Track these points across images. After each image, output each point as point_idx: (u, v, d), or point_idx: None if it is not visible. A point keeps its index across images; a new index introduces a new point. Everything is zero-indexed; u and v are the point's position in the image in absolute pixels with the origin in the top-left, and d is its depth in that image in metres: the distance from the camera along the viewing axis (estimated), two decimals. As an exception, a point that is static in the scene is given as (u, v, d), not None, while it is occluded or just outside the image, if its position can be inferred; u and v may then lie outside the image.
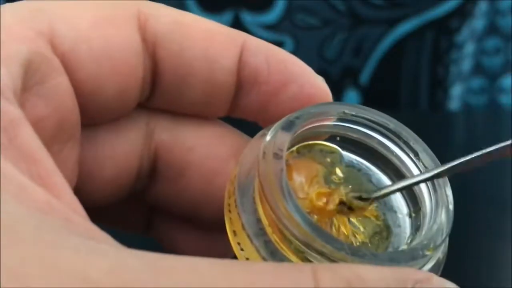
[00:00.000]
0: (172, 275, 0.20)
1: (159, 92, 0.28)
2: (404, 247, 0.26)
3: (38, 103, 0.25)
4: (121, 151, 0.29)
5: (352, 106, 0.27)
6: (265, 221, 0.24)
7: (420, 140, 0.27)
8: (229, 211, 0.26)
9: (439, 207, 0.26)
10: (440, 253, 0.25)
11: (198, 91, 0.28)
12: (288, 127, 0.26)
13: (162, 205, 0.30)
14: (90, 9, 0.27)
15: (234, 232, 0.25)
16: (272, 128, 0.26)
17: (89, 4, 0.27)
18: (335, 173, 0.27)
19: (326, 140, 0.28)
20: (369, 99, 0.66)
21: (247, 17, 0.63)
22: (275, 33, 0.63)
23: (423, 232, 0.25)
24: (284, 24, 0.63)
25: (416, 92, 0.67)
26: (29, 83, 0.24)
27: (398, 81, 0.67)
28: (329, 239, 0.23)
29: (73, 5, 0.27)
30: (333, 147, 0.28)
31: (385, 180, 0.28)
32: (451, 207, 0.26)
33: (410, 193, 0.27)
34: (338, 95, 0.66)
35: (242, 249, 0.25)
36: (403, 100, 0.67)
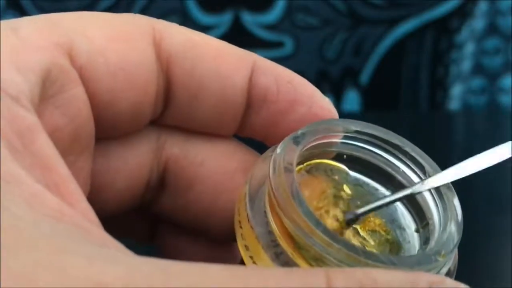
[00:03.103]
0: (185, 279, 0.20)
1: (172, 109, 0.29)
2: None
3: (55, 113, 0.25)
4: (132, 164, 0.29)
5: (358, 123, 0.28)
6: (277, 232, 0.25)
7: (426, 156, 0.28)
8: (240, 227, 0.26)
9: (448, 219, 0.26)
10: (451, 263, 0.25)
11: (209, 109, 0.29)
12: (296, 142, 0.26)
13: (169, 216, 0.31)
14: (107, 24, 0.27)
15: (246, 247, 0.26)
16: (280, 144, 0.26)
17: (106, 19, 0.27)
18: (343, 190, 0.27)
19: (333, 158, 0.28)
20: (369, 99, 0.66)
21: (247, 17, 0.63)
22: (275, 33, 0.63)
23: (433, 242, 0.26)
24: (284, 24, 0.63)
25: (416, 92, 0.67)
26: (47, 93, 0.24)
27: (398, 81, 0.67)
28: (343, 243, 0.23)
29: (91, 19, 0.27)
30: (340, 166, 0.28)
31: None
32: (460, 218, 0.26)
33: (417, 208, 0.27)
34: (338, 95, 0.66)
35: (254, 263, 0.25)
36: (403, 100, 0.67)
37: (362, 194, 0.28)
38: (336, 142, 0.28)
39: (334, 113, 0.29)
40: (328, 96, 0.68)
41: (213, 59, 0.28)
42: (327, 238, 0.23)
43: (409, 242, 0.27)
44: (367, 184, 0.28)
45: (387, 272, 0.22)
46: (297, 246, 0.24)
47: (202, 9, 0.62)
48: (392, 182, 0.28)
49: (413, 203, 0.27)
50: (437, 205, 0.27)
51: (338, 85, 0.66)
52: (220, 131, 0.30)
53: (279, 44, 0.64)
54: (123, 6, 0.62)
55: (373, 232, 0.27)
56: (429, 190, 0.27)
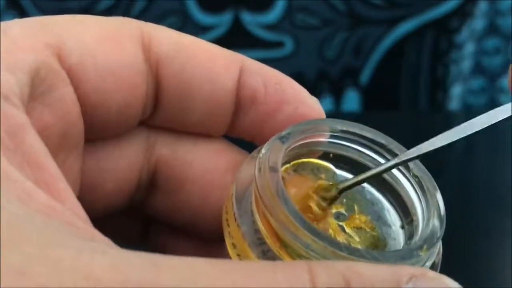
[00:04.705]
0: (173, 272, 0.20)
1: (162, 111, 0.29)
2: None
3: (44, 111, 0.25)
4: (122, 164, 0.29)
5: (344, 122, 0.28)
6: (263, 231, 0.25)
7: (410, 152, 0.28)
8: (228, 225, 0.26)
9: (430, 214, 0.26)
10: (435, 257, 0.26)
11: (199, 111, 0.29)
12: (281, 142, 0.27)
13: (160, 217, 0.31)
14: (96, 26, 0.28)
15: (234, 245, 0.26)
16: (266, 144, 0.27)
17: (96, 22, 0.28)
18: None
19: (319, 158, 0.28)
20: (369, 99, 0.66)
21: (247, 17, 0.63)
22: (275, 33, 0.64)
23: (417, 237, 0.26)
24: (284, 24, 0.63)
25: (416, 92, 0.67)
26: (35, 92, 0.25)
27: (398, 81, 0.67)
28: (327, 240, 0.24)
29: (81, 21, 0.28)
30: (326, 165, 0.29)
31: (379, 196, 0.28)
32: (442, 212, 0.26)
33: (402, 205, 0.28)
34: (338, 95, 0.66)
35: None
36: (403, 100, 0.67)
37: (349, 192, 0.28)
38: (322, 142, 0.28)
39: (321, 113, 0.29)
40: (328, 96, 0.68)
41: (202, 61, 0.28)
42: (311, 235, 0.24)
43: (395, 239, 0.27)
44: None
45: (370, 265, 0.23)
46: (283, 244, 0.25)
47: (202, 9, 0.62)
48: (378, 180, 0.28)
49: (398, 200, 0.28)
50: (420, 201, 0.27)
51: (338, 85, 0.66)
52: (210, 132, 0.30)
53: (279, 44, 0.64)
54: (123, 6, 0.62)
55: (358, 229, 0.27)
56: (411, 182, 0.27)
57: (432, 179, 0.27)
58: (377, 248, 0.27)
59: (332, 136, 0.28)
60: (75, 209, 0.23)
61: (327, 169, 0.28)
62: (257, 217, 0.25)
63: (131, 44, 0.28)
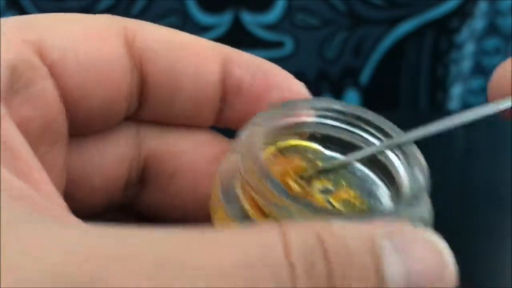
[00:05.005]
0: (130, 247, 0.20)
1: (148, 105, 0.30)
2: None
3: (23, 105, 0.26)
4: (110, 160, 0.30)
5: (326, 100, 0.28)
6: (249, 208, 0.25)
7: (400, 130, 0.28)
8: (215, 212, 0.26)
9: (413, 170, 0.26)
10: (424, 214, 0.25)
11: (185, 104, 0.29)
12: (261, 121, 0.27)
13: (153, 214, 0.31)
14: (79, 23, 0.28)
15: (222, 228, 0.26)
16: (247, 124, 0.27)
17: (78, 19, 0.28)
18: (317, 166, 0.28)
19: (307, 139, 0.28)
20: (369, 99, 0.66)
21: (247, 17, 0.63)
22: (275, 33, 0.63)
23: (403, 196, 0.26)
24: (284, 24, 0.63)
25: (416, 92, 0.67)
26: (13, 87, 0.25)
27: (398, 81, 0.67)
28: (303, 203, 0.24)
29: (63, 19, 0.28)
30: (314, 147, 0.28)
31: (370, 173, 0.28)
32: (424, 164, 0.26)
33: (389, 178, 0.27)
34: (338, 95, 0.66)
35: None
36: (403, 100, 0.67)
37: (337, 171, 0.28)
38: (307, 122, 0.28)
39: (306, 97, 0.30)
40: (328, 96, 0.68)
41: (186, 55, 0.29)
42: (292, 202, 0.24)
43: (379, 206, 0.27)
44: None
45: (345, 223, 0.22)
46: (264, 214, 0.25)
47: (202, 9, 0.62)
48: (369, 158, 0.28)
49: (388, 176, 0.27)
50: (402, 165, 0.27)
51: (338, 85, 0.66)
52: (197, 123, 0.30)
53: (279, 44, 0.64)
54: (123, 6, 0.62)
55: (346, 203, 0.27)
56: (399, 157, 0.27)
57: (416, 150, 0.27)
58: None
59: (317, 116, 0.28)
60: (51, 196, 0.24)
61: (315, 151, 0.28)
62: (241, 196, 0.25)
63: (114, 40, 0.28)
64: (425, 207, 0.25)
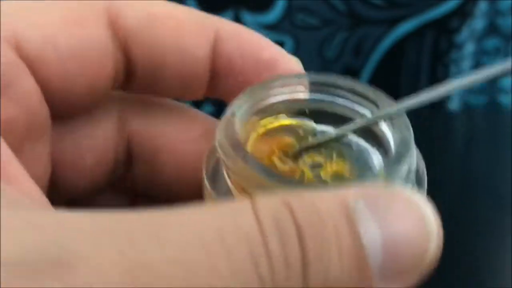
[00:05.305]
0: (103, 223, 0.20)
1: (134, 82, 0.29)
2: None
3: (7, 105, 0.26)
4: (99, 139, 0.30)
5: (315, 75, 0.28)
6: (232, 188, 0.25)
7: (390, 100, 0.28)
8: (204, 192, 0.26)
9: (399, 132, 0.26)
10: (412, 163, 0.25)
11: (172, 80, 0.29)
12: (247, 97, 0.26)
13: (141, 191, 0.31)
14: (56, 10, 0.27)
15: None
16: (232, 102, 0.27)
17: (56, 5, 0.28)
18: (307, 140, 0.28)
19: (298, 115, 0.28)
20: (369, 99, 0.66)
21: (247, 17, 0.63)
22: (275, 33, 0.63)
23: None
24: (284, 24, 0.63)
25: (416, 92, 0.67)
26: None
27: (398, 81, 0.67)
28: (275, 178, 0.23)
29: (39, 6, 0.27)
30: (305, 123, 0.28)
31: (365, 144, 0.27)
32: (409, 126, 0.26)
33: (380, 145, 0.27)
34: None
35: None
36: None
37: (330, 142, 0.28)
38: (298, 98, 0.28)
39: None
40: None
41: (172, 32, 0.28)
42: (264, 176, 0.23)
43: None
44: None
45: (316, 191, 0.21)
46: (242, 189, 0.25)
47: (202, 9, 0.62)
48: (363, 130, 0.27)
49: (380, 144, 0.27)
50: (391, 131, 0.26)
51: (338, 85, 0.66)
52: (187, 97, 0.30)
53: (279, 44, 0.64)
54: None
55: (336, 176, 0.26)
56: (388, 124, 0.27)
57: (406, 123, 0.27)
58: None
59: (309, 91, 0.28)
60: (30, 192, 0.24)
61: (307, 128, 0.28)
62: (226, 176, 0.25)
63: (94, 23, 0.27)
64: (411, 164, 0.25)
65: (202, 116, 0.31)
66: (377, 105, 0.27)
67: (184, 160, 0.30)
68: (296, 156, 0.27)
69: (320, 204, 0.20)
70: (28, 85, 0.27)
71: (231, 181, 0.25)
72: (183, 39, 0.28)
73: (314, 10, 0.63)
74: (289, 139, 0.27)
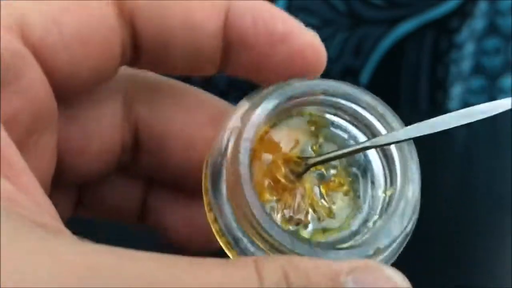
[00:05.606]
0: (133, 262, 0.21)
1: (142, 58, 0.29)
2: (374, 218, 0.26)
3: (13, 99, 0.25)
4: (105, 125, 0.30)
5: (336, 87, 0.28)
6: (231, 203, 0.25)
7: (400, 123, 0.28)
8: (204, 196, 0.27)
9: (405, 185, 0.26)
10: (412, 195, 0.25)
11: (182, 56, 0.28)
12: (253, 106, 0.26)
13: (150, 176, 0.32)
14: None
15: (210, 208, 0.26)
16: (238, 112, 0.26)
17: None
18: (316, 142, 0.28)
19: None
20: (369, 99, 0.66)
21: (247, 17, 0.63)
22: (275, 33, 0.63)
23: (378, 222, 0.26)
24: (284, 24, 0.63)
25: (416, 92, 0.67)
26: (4, 81, 0.25)
27: (398, 81, 0.67)
28: (273, 234, 0.24)
29: None
30: (323, 116, 0.28)
31: (374, 157, 0.28)
32: (417, 186, 0.26)
33: (391, 170, 0.27)
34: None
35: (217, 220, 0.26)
36: (403, 100, 0.67)
37: (337, 142, 0.27)
38: (315, 100, 0.27)
39: (319, 47, 0.29)
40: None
41: (181, 9, 0.28)
42: (262, 230, 0.24)
43: (373, 205, 0.27)
44: (349, 132, 0.28)
45: (311, 260, 0.23)
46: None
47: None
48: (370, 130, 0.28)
49: (389, 165, 0.27)
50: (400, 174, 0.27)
51: (338, 85, 0.66)
52: (198, 73, 0.29)
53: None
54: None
55: (333, 195, 0.27)
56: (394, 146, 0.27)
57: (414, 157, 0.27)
58: (353, 213, 0.26)
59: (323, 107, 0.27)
60: (43, 206, 0.24)
61: (322, 119, 0.28)
62: (224, 188, 0.25)
63: (99, 4, 0.27)
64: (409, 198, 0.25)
65: (209, 99, 0.30)
66: (392, 128, 0.27)
67: (191, 145, 0.30)
68: (300, 165, 0.27)
69: (314, 278, 0.22)
70: (34, 77, 0.26)
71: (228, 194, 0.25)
72: (192, 13, 0.27)
73: (314, 10, 0.63)
74: (301, 134, 0.27)
